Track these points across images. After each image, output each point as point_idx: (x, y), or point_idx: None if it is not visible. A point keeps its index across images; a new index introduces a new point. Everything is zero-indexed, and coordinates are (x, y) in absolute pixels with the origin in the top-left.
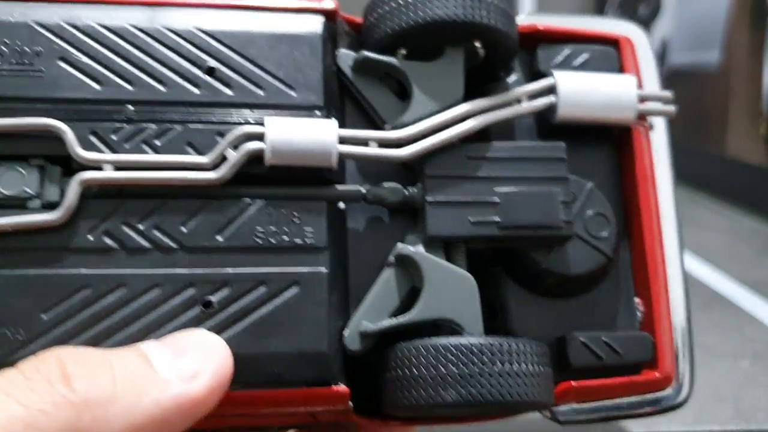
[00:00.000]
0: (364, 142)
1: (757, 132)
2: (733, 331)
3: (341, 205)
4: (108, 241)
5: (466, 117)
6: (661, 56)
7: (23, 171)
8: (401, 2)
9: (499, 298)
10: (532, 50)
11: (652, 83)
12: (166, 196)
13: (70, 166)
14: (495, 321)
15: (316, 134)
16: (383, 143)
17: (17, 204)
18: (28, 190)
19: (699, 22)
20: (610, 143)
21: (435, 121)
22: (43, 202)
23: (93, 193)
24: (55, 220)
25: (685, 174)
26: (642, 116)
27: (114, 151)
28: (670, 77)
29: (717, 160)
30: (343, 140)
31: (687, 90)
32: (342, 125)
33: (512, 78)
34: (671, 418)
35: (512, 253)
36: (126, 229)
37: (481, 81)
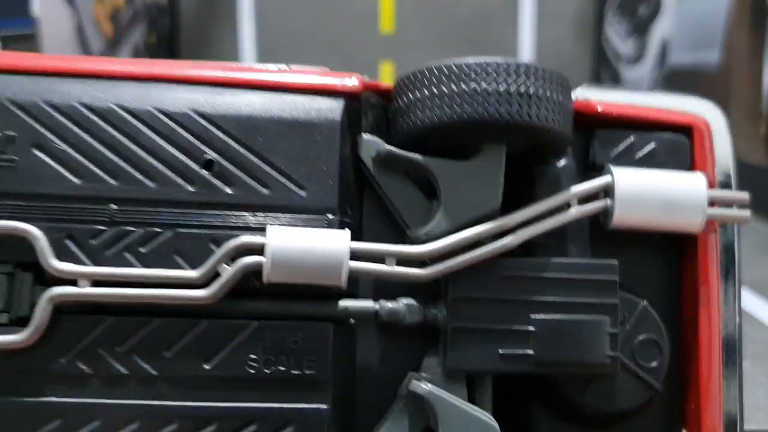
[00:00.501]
0: (380, 258)
1: (757, 132)
2: None
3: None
4: (82, 366)
5: (502, 232)
6: (662, 56)
7: None
8: (436, 91)
9: (528, 424)
10: (589, 131)
11: (726, 177)
12: (149, 313)
13: (43, 274)
14: None
15: (324, 249)
16: (403, 260)
17: None
18: None
19: (699, 23)
20: (671, 249)
21: (465, 236)
22: (11, 316)
23: (68, 306)
24: (23, 341)
25: None
26: (712, 221)
27: (93, 258)
28: (670, 77)
29: None
30: (356, 255)
31: (687, 90)
32: (359, 222)
33: (562, 162)
34: None
35: (546, 380)
36: (102, 352)
37: (525, 164)
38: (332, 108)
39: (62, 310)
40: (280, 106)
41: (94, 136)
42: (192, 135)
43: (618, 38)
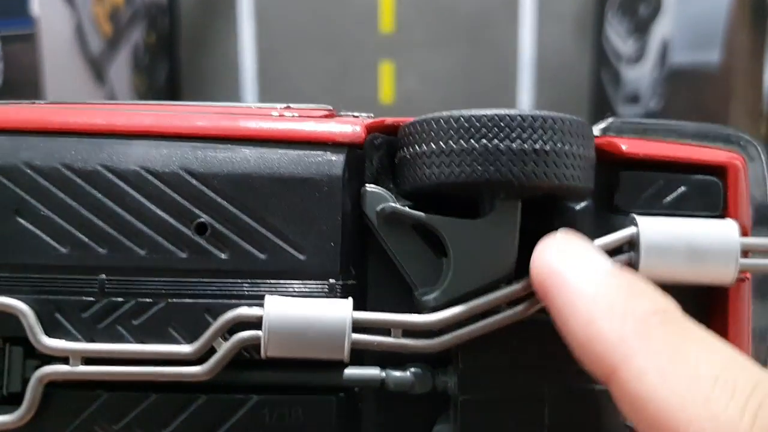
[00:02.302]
0: (385, 329)
1: (757, 132)
2: None
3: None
4: None
5: (517, 299)
6: (662, 56)
7: None
8: (444, 147)
9: None
10: (612, 170)
11: (763, 221)
12: (145, 389)
13: (32, 348)
14: None
15: (325, 321)
16: (409, 330)
17: None
18: None
19: (699, 22)
20: (700, 300)
21: (476, 305)
22: (2, 393)
23: (61, 382)
24: (16, 421)
25: None
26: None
27: (84, 332)
28: (671, 77)
29: None
30: (360, 325)
31: (687, 90)
32: (363, 280)
33: (583, 204)
34: None
35: None
36: (98, 430)
37: (540, 208)
38: (333, 161)
39: (56, 384)
40: (277, 161)
41: (79, 200)
42: (183, 197)
43: (618, 38)
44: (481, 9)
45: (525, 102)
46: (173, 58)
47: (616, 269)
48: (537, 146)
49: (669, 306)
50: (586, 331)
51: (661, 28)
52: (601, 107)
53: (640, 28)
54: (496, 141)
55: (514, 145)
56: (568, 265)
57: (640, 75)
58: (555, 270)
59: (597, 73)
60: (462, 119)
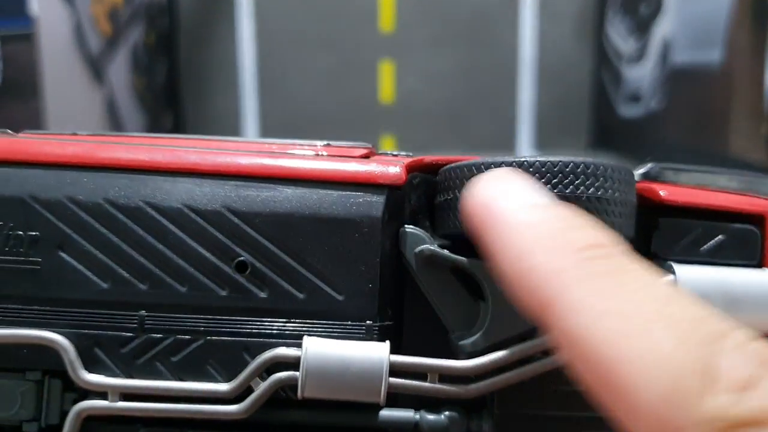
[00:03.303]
0: (422, 374)
1: (758, 131)
2: None
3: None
4: None
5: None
6: (663, 55)
7: (19, 388)
8: None
9: None
10: (650, 216)
11: None
12: (182, 426)
13: (71, 381)
14: None
15: (362, 364)
16: (445, 375)
17: (12, 426)
18: (25, 413)
19: (700, 22)
20: None
21: (513, 352)
22: (41, 425)
23: (99, 416)
24: None
25: None
26: None
27: (122, 367)
28: (672, 77)
29: (718, 160)
30: (396, 369)
31: (688, 89)
32: (399, 321)
33: None
34: None
35: None
36: None
37: None
38: (373, 202)
39: (94, 418)
40: (318, 202)
41: (121, 236)
42: (224, 235)
43: (619, 37)
44: (481, 9)
45: (525, 101)
46: (172, 58)
47: (554, 202)
48: (579, 193)
49: (610, 240)
50: (520, 264)
51: (662, 28)
52: (602, 107)
53: (641, 28)
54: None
55: (557, 192)
56: (502, 198)
57: (641, 74)
58: (487, 202)
59: (598, 73)
60: (504, 166)
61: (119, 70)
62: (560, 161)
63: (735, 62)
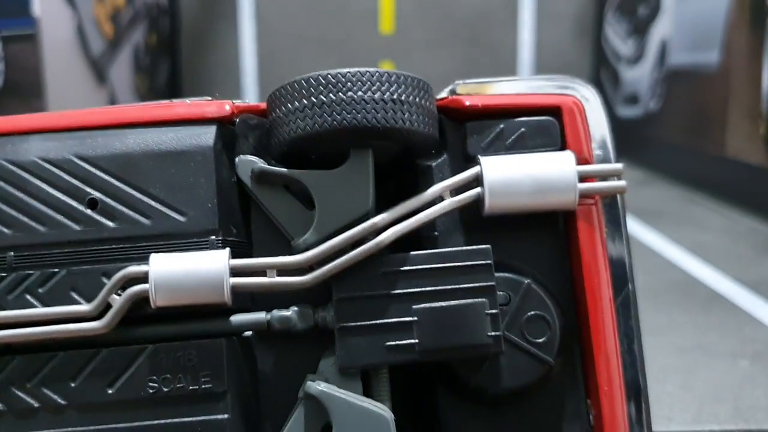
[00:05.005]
0: (262, 272)
1: (756, 132)
2: (733, 331)
3: (247, 332)
4: None
5: (377, 231)
6: (661, 57)
7: None
8: (306, 102)
9: (433, 408)
10: (461, 124)
11: (603, 150)
12: (54, 348)
13: None
14: None
15: (205, 270)
16: (284, 270)
17: None
18: None
19: (698, 23)
20: (555, 227)
21: (340, 240)
22: None
23: None
24: None
25: (684, 174)
26: (589, 195)
27: None
28: (670, 78)
29: (716, 161)
30: (238, 271)
31: (686, 90)
32: (248, 239)
33: (441, 158)
34: (671, 417)
35: (445, 366)
36: (15, 390)
37: (405, 164)
38: (204, 135)
39: None
40: (155, 140)
41: None
42: (75, 178)
43: (617, 38)
44: (480, 10)
45: None
46: (174, 59)
47: None
48: (376, 96)
49: None
50: None
51: (660, 29)
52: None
53: (639, 29)
54: (340, 94)
55: (356, 96)
56: None
57: (639, 75)
58: None
59: (596, 74)
60: (311, 79)
61: (121, 70)
62: (358, 71)
63: (733, 63)
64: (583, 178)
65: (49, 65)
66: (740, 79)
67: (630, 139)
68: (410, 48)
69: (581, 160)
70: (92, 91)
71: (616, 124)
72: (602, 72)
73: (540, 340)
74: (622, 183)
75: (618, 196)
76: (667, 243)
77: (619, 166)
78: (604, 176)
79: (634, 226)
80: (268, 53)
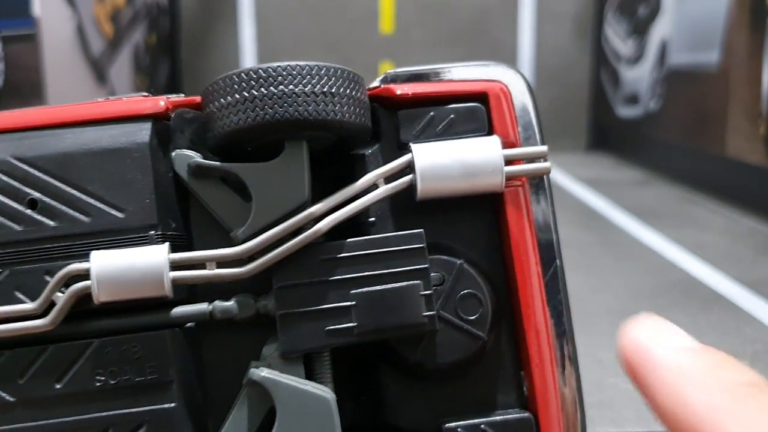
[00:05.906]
0: (201, 264)
1: (756, 132)
2: (733, 331)
3: (191, 323)
4: None
5: (314, 220)
6: (661, 56)
7: None
8: (239, 97)
9: (376, 385)
10: (393, 112)
11: (530, 133)
12: (1, 347)
13: None
14: (376, 410)
15: (145, 264)
16: (222, 262)
17: None
18: None
19: (698, 23)
20: (485, 209)
21: (277, 230)
22: None
23: None
24: None
25: (684, 174)
26: (516, 177)
27: None
28: (670, 78)
29: (716, 160)
30: (177, 264)
31: (686, 90)
32: (188, 234)
33: (376, 146)
34: None
35: (386, 346)
36: None
37: (341, 152)
38: (139, 131)
39: None
40: (92, 138)
41: None
42: (14, 179)
43: (617, 38)
44: (480, 10)
45: None
46: (174, 59)
47: (701, 345)
48: (307, 89)
49: (758, 379)
50: (675, 401)
51: (660, 29)
52: (600, 108)
53: (639, 29)
54: (272, 88)
55: (287, 90)
56: (655, 341)
57: (639, 75)
58: (642, 345)
59: (596, 74)
60: (242, 74)
61: (121, 70)
62: (288, 65)
63: (733, 63)
64: (510, 161)
65: (49, 65)
66: (740, 79)
67: (630, 139)
68: (410, 48)
69: (508, 144)
70: (92, 90)
71: (616, 124)
72: (602, 72)
73: (473, 317)
74: (546, 164)
75: (544, 177)
76: (667, 243)
77: (543, 148)
78: (530, 158)
79: (634, 226)
80: (268, 53)
